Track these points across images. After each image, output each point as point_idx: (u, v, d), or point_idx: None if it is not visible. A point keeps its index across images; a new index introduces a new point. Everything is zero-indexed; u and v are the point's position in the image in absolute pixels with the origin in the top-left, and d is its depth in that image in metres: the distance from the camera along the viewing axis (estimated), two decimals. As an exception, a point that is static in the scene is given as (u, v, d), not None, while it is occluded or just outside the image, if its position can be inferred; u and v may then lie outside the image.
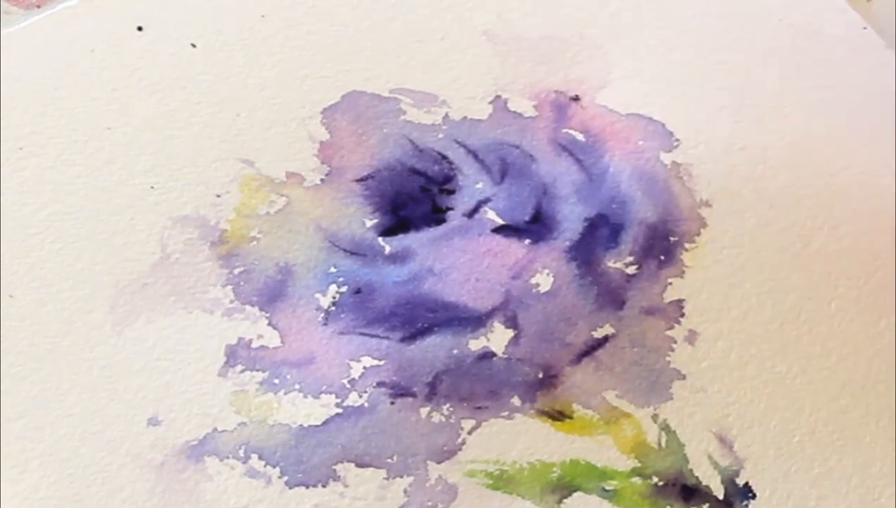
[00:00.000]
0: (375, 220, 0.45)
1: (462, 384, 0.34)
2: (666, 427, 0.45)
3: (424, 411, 0.35)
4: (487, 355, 0.34)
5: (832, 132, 0.46)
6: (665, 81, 0.36)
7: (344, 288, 0.44)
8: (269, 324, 0.45)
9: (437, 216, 0.32)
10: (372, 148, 0.35)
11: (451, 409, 0.35)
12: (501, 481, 0.35)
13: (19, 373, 0.47)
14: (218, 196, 0.47)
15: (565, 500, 0.35)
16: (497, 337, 0.35)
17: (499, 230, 0.32)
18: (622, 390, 0.46)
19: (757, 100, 0.39)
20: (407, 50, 0.46)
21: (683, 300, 0.46)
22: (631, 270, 0.35)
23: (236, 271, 0.47)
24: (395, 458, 0.43)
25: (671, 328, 0.41)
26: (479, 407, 0.35)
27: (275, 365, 0.45)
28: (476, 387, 0.34)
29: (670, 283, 0.36)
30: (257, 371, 0.45)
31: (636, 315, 0.35)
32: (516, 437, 0.43)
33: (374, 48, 0.49)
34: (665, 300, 0.35)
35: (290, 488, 0.43)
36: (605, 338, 0.36)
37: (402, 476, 0.41)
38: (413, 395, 0.35)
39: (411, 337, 0.32)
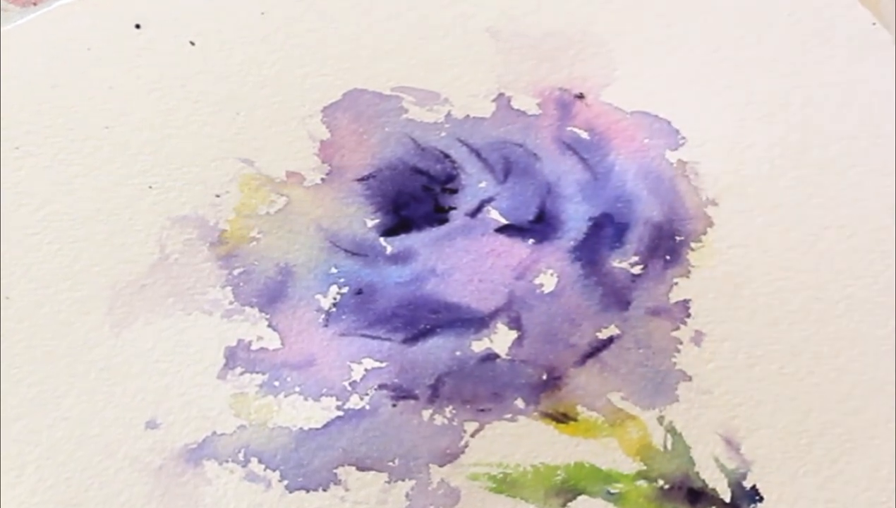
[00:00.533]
0: (377, 220, 0.45)
1: (465, 386, 0.34)
2: (672, 430, 0.45)
3: (427, 413, 0.35)
4: (490, 357, 0.34)
5: (840, 129, 0.46)
6: (671, 78, 0.36)
7: (345, 289, 0.44)
8: (269, 326, 0.45)
9: (439, 216, 0.32)
10: (373, 147, 0.35)
11: (453, 412, 0.35)
12: (505, 484, 0.35)
13: (16, 376, 0.47)
14: (217, 196, 0.47)
15: (570, 503, 0.35)
16: (500, 339, 0.35)
17: (502, 230, 0.32)
18: (627, 392, 0.46)
19: (764, 98, 0.39)
20: (409, 47, 0.46)
21: (689, 300, 0.45)
22: (636, 270, 0.35)
23: (236, 272, 0.46)
24: (396, 461, 0.43)
25: (677, 329, 0.41)
26: (482, 410, 0.35)
27: (275, 367, 0.45)
28: (479, 389, 0.34)
29: (676, 283, 0.36)
30: (257, 373, 0.44)
31: (641, 315, 0.35)
32: (520, 440, 0.43)
33: (376, 46, 0.49)
34: (671, 300, 0.35)
35: (291, 492, 0.43)
36: (610, 339, 0.36)
37: (403, 480, 0.41)
38: (415, 397, 0.35)
39: (413, 339, 0.32)
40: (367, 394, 0.42)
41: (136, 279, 0.46)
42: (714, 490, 0.45)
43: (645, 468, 0.44)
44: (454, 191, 0.32)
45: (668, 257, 0.34)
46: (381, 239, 0.35)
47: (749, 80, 0.40)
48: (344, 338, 0.44)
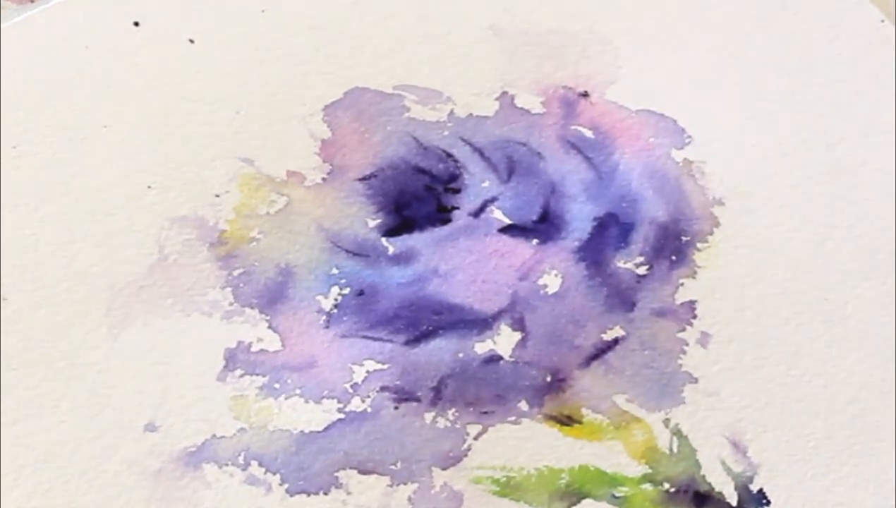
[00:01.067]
0: (378, 220, 0.45)
1: (468, 388, 0.34)
2: (678, 432, 0.44)
3: (429, 416, 0.35)
4: (494, 358, 0.34)
5: (848, 128, 0.45)
6: (676, 77, 0.35)
7: (346, 290, 0.44)
8: (270, 327, 0.45)
9: (441, 216, 0.31)
10: (375, 146, 0.35)
11: (456, 414, 0.35)
12: (508, 487, 0.35)
13: (14, 377, 0.47)
14: (217, 196, 0.47)
15: (574, 507, 0.34)
16: (504, 340, 0.35)
17: (505, 230, 0.32)
18: (633, 394, 0.45)
19: (771, 96, 0.38)
20: (411, 45, 0.46)
21: (696, 301, 0.45)
22: (641, 271, 0.35)
23: (236, 273, 0.46)
24: (398, 465, 0.42)
25: (683, 330, 0.41)
26: (485, 412, 0.35)
27: (275, 369, 0.44)
28: (482, 392, 0.34)
29: (682, 284, 0.35)
30: (257, 375, 0.44)
31: (647, 317, 0.34)
32: (523, 443, 0.42)
33: (377, 43, 0.49)
34: (677, 301, 0.35)
35: (291, 496, 0.42)
36: (615, 341, 0.36)
37: (406, 483, 0.41)
38: (417, 400, 0.34)
39: (415, 341, 0.32)
40: (368, 397, 0.42)
41: (134, 280, 0.46)
42: (720, 493, 0.44)
43: (650, 471, 0.43)
44: (457, 191, 0.32)
45: (673, 258, 0.34)
46: (383, 239, 0.35)
47: (756, 79, 0.40)
48: (345, 340, 0.44)
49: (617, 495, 0.36)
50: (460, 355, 0.35)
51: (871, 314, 0.54)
